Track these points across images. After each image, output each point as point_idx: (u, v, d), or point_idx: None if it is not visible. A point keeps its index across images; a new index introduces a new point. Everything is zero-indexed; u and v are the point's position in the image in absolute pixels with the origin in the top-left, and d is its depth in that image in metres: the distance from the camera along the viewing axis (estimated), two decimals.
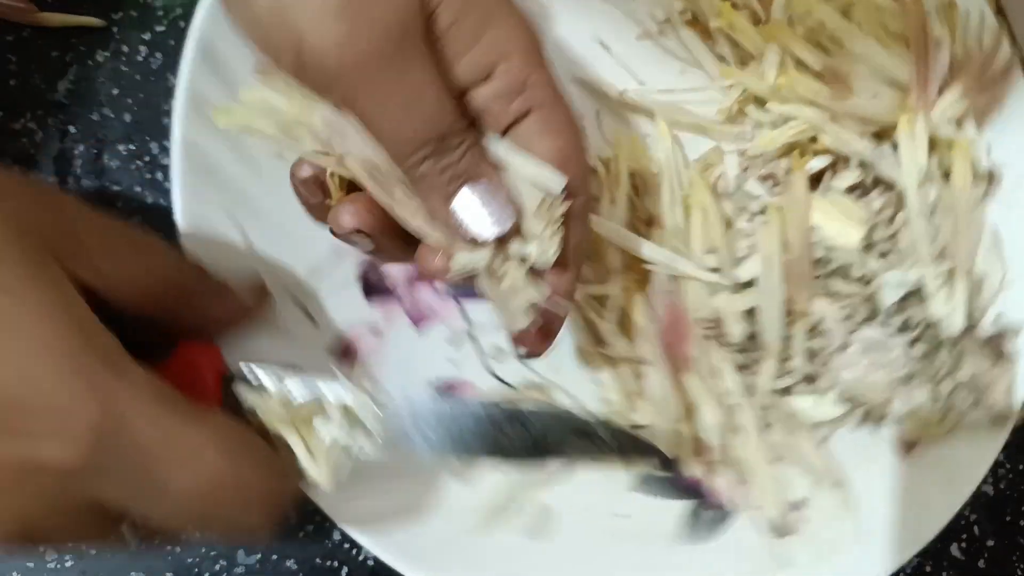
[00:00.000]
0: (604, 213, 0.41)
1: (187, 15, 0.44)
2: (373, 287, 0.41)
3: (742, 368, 0.41)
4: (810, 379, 0.42)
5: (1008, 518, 0.45)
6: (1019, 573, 0.45)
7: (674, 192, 0.41)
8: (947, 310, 0.40)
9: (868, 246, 0.40)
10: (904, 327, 0.41)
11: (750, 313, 0.40)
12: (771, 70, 0.41)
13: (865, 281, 0.41)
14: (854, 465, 0.42)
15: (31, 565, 0.39)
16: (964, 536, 0.45)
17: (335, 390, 0.31)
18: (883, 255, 0.41)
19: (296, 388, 0.32)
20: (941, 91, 0.41)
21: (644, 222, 0.41)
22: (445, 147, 0.31)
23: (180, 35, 0.44)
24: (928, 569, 0.44)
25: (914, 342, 0.41)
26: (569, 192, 0.32)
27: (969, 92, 0.41)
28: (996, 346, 0.41)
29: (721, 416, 0.40)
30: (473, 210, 0.31)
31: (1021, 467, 0.45)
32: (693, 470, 0.41)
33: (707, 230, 0.41)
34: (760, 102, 0.43)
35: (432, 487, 0.39)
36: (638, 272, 0.41)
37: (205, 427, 0.29)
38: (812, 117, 0.40)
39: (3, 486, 0.27)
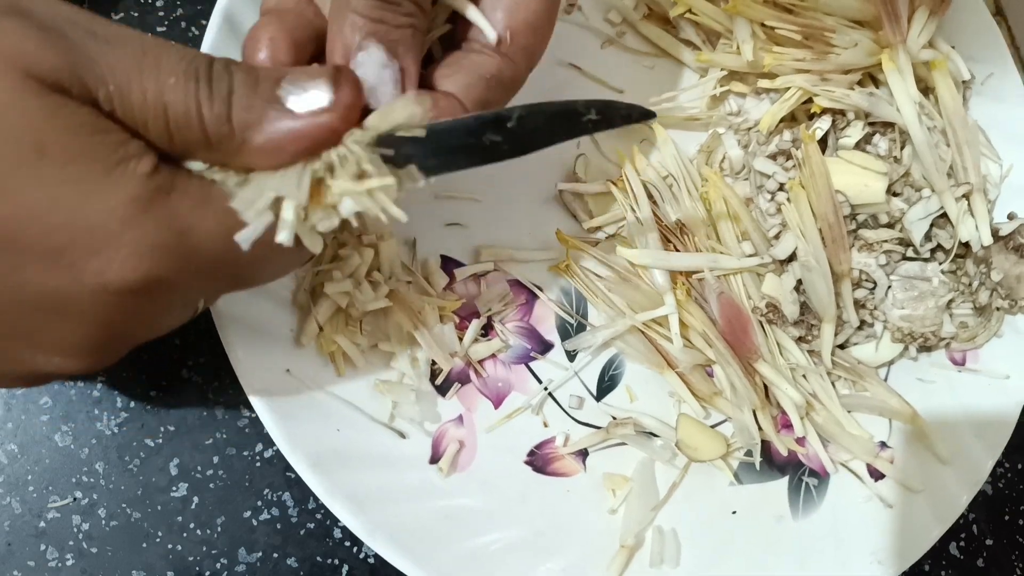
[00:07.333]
0: (635, 237, 0.40)
1: (188, 15, 0.43)
2: (444, 381, 0.40)
3: (801, 340, 0.42)
4: (863, 326, 0.43)
5: (1007, 517, 0.45)
6: (1018, 572, 0.45)
7: (692, 192, 0.41)
8: (973, 228, 0.41)
9: (888, 189, 0.40)
10: (936, 251, 0.42)
11: (797, 286, 0.41)
12: (746, 45, 0.41)
13: (892, 223, 0.41)
14: (914, 394, 0.43)
15: (32, 564, 0.37)
16: (963, 535, 0.45)
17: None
18: (900, 193, 0.42)
19: None
20: (909, 19, 0.41)
21: (674, 231, 0.41)
22: (391, 1, 0.28)
23: (181, 36, 0.42)
24: (927, 568, 0.44)
25: (950, 262, 0.42)
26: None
27: (932, 6, 0.42)
28: (1015, 242, 0.42)
29: (797, 392, 0.41)
30: (370, 78, 0.28)
31: (1020, 467, 0.46)
32: (782, 446, 0.42)
33: (734, 219, 0.41)
34: (741, 76, 0.43)
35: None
36: (686, 279, 0.40)
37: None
38: (804, 83, 0.40)
39: (77, 311, 0.25)
